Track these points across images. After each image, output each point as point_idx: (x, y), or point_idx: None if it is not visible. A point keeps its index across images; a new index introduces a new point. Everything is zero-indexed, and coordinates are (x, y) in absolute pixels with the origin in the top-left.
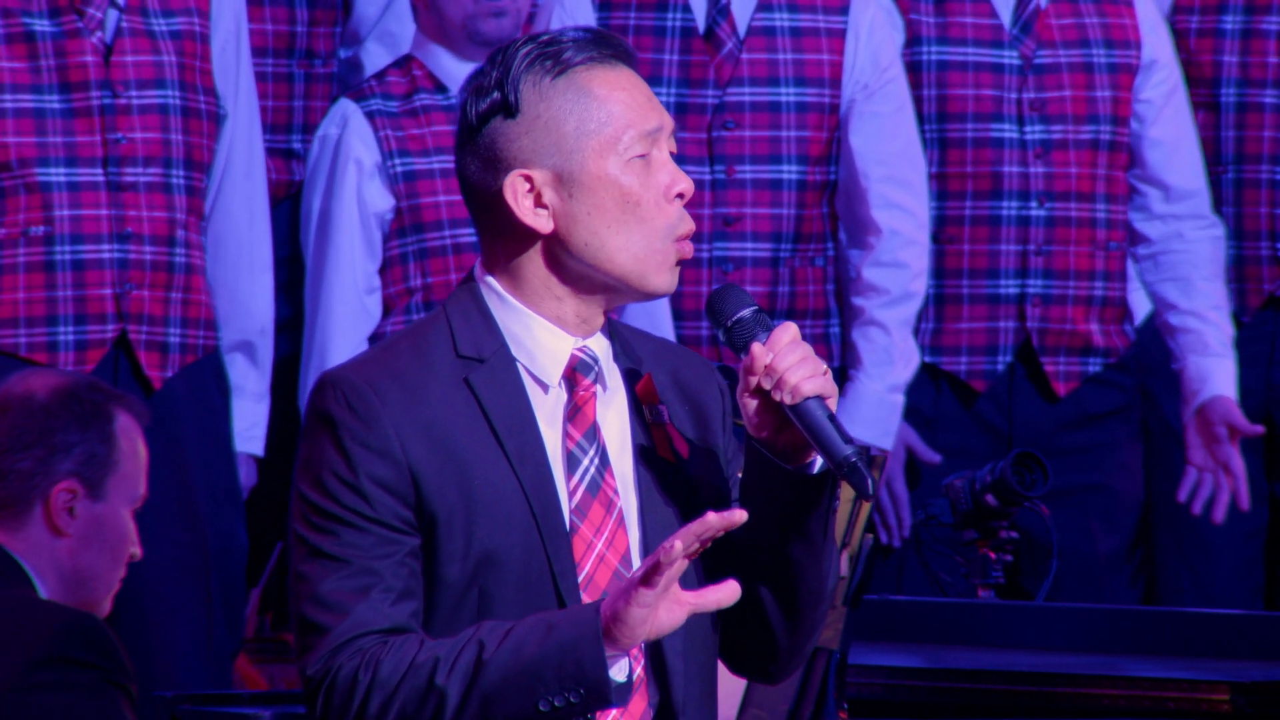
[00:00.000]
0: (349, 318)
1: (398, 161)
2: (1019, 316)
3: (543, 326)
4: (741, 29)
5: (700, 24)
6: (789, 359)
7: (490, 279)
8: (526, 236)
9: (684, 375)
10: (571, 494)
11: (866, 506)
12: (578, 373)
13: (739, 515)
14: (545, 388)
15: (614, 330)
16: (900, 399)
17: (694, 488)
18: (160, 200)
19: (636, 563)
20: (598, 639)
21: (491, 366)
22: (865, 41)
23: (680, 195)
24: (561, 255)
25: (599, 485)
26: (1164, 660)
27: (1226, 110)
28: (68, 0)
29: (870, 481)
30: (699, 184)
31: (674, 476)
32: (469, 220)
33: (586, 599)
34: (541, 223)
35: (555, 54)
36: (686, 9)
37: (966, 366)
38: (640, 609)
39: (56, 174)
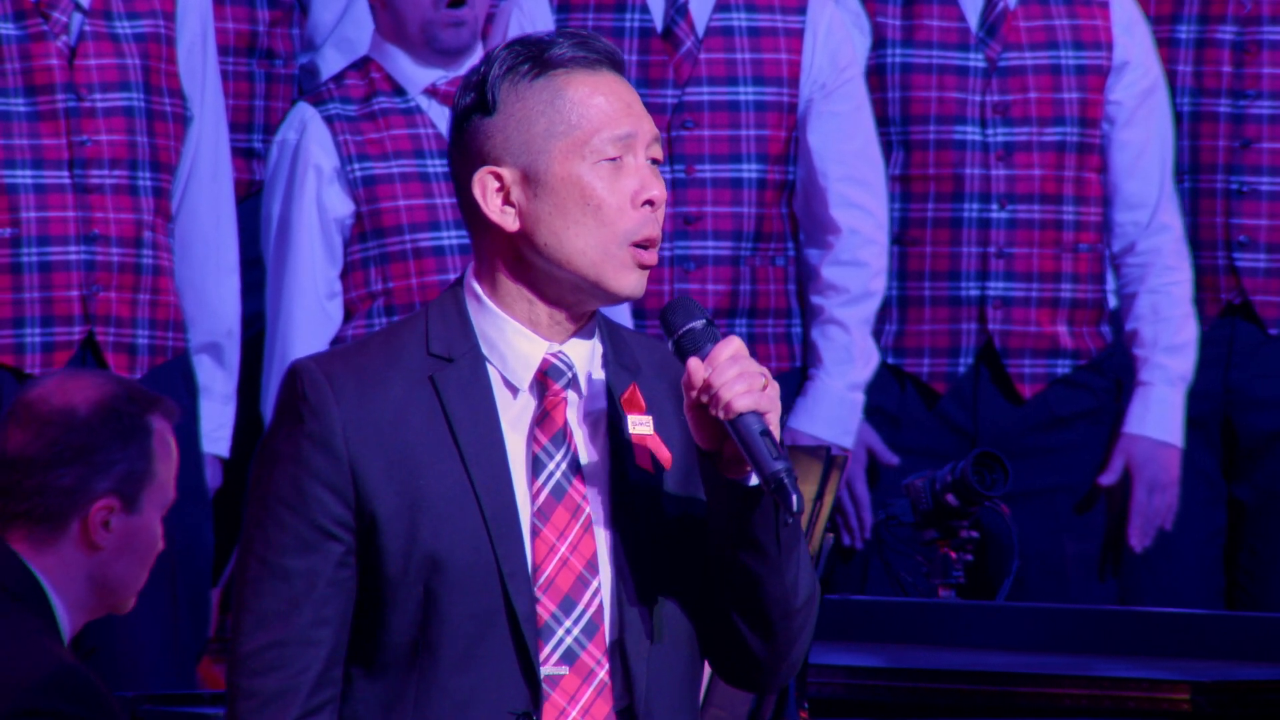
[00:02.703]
0: (310, 323)
1: (357, 166)
2: (980, 318)
3: (516, 330)
4: (700, 28)
5: (658, 24)
6: (726, 375)
7: (472, 281)
8: (498, 235)
9: (682, 386)
10: (534, 497)
11: (826, 506)
12: (548, 377)
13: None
14: (515, 391)
15: (613, 336)
16: (860, 397)
17: (672, 499)
18: (127, 202)
19: (603, 568)
20: None
21: (460, 367)
22: (823, 41)
23: (650, 202)
24: (529, 255)
25: (565, 490)
26: (1125, 660)
27: (1181, 120)
28: (32, 3)
29: (796, 498)
30: None
31: (652, 487)
32: (429, 224)
33: (547, 601)
34: (508, 220)
35: (537, 55)
36: (644, 9)
37: (929, 368)
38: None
39: (23, 176)
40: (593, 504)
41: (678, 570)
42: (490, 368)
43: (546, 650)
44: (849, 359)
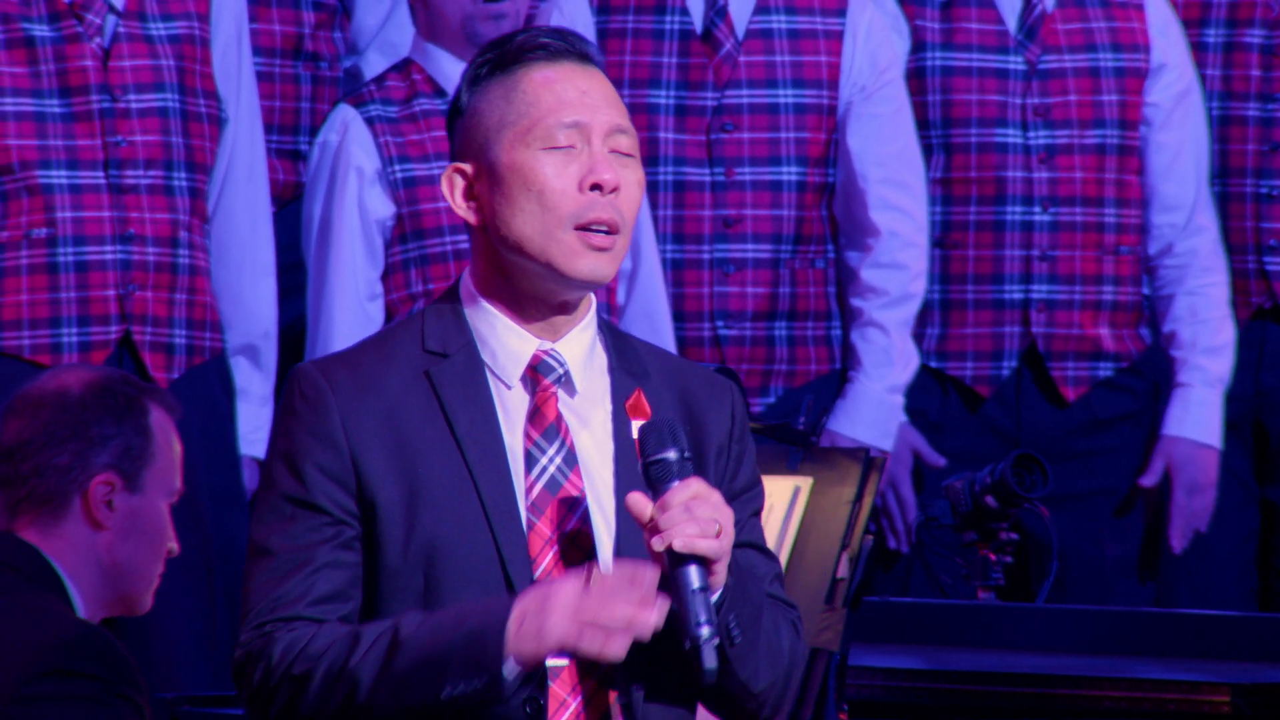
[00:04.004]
0: (351, 324)
1: (398, 168)
2: (1024, 322)
3: (506, 326)
4: (740, 31)
5: (698, 26)
6: (674, 517)
7: (466, 279)
8: (476, 232)
9: (693, 395)
10: (528, 491)
11: (865, 509)
12: (539, 373)
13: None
14: (508, 387)
15: (619, 343)
16: (900, 400)
17: None
18: (162, 202)
19: (602, 562)
20: (502, 630)
21: (455, 362)
22: (863, 43)
23: (597, 186)
24: (496, 247)
25: (560, 484)
26: (1165, 662)
27: (1209, 124)
28: (66, 5)
29: (710, 671)
30: (698, 185)
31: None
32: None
33: None
34: (470, 215)
35: (501, 53)
36: (684, 11)
37: (972, 372)
38: (559, 607)
39: (58, 177)
40: (591, 499)
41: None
42: (485, 363)
43: (545, 662)
44: (888, 361)
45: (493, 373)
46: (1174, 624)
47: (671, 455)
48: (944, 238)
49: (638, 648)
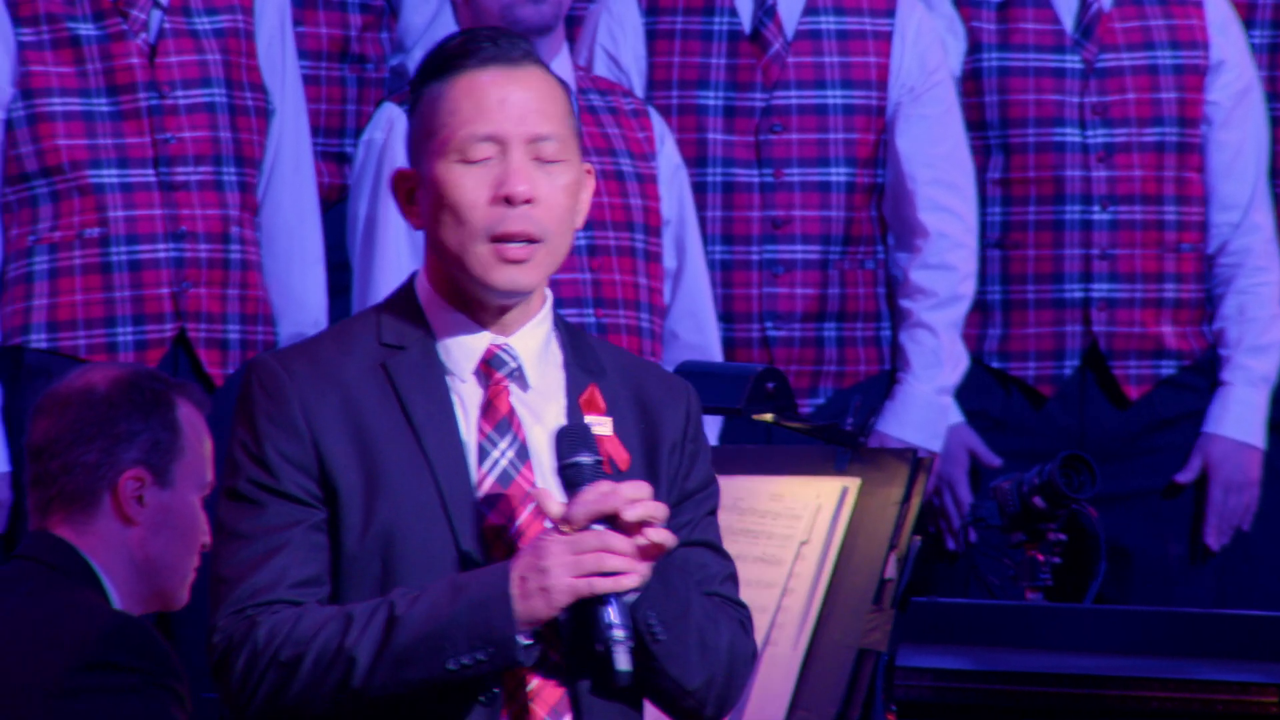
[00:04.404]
0: None
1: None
2: (1084, 321)
3: (459, 322)
4: (789, 31)
5: (746, 26)
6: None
7: (422, 274)
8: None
9: (649, 394)
10: (479, 484)
11: (914, 509)
12: (491, 367)
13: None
14: (463, 381)
15: (575, 340)
16: (949, 401)
17: None
18: (213, 198)
19: None
20: (506, 596)
21: (411, 355)
22: (911, 44)
23: (508, 200)
24: (435, 250)
25: (511, 478)
26: (1213, 662)
27: None
28: (111, 3)
29: (623, 674)
30: (747, 186)
31: None
32: None
33: None
34: (414, 218)
35: (438, 58)
36: (733, 12)
37: (1034, 371)
38: (552, 552)
39: (109, 175)
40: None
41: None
42: (440, 357)
43: None
44: (937, 362)
45: (447, 367)
46: (1223, 624)
47: (585, 460)
48: (1004, 238)
49: (582, 640)
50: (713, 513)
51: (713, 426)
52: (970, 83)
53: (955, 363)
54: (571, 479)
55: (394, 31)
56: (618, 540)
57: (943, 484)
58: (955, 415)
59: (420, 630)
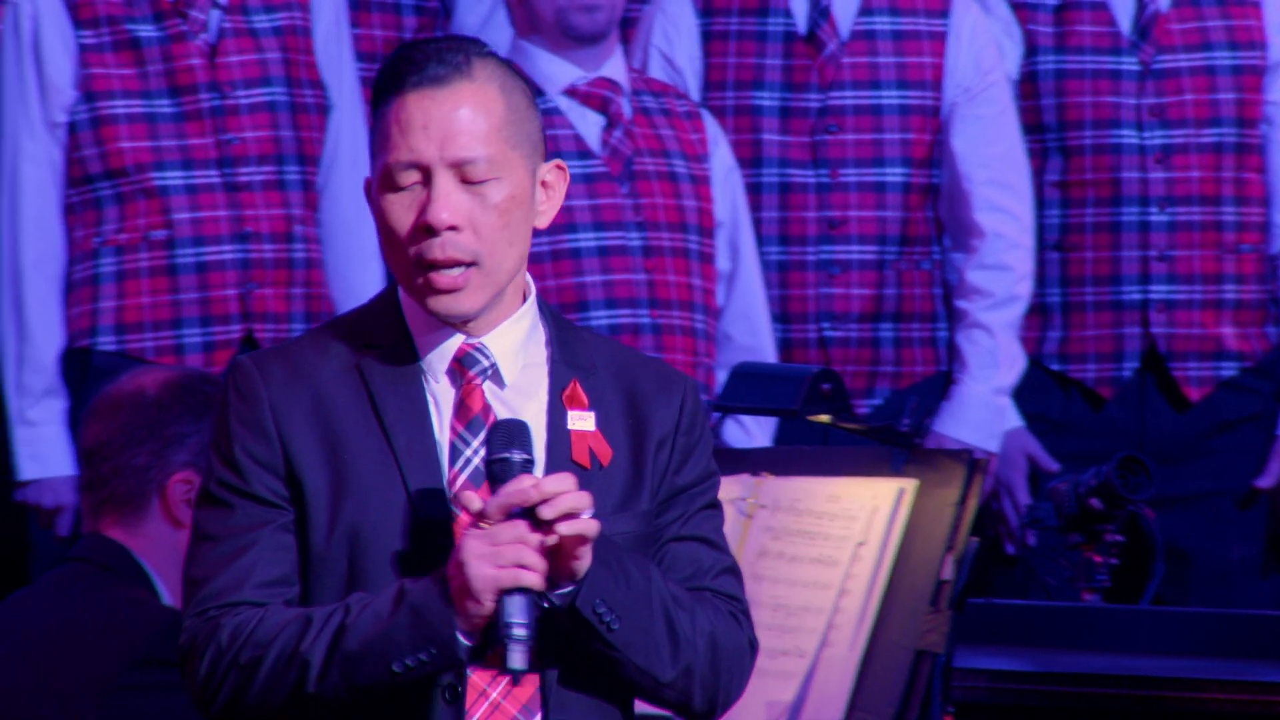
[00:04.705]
0: None
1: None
2: (1143, 322)
3: (432, 322)
4: (844, 32)
5: (801, 27)
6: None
7: None
8: None
9: (641, 389)
10: (451, 483)
11: (970, 510)
12: (463, 366)
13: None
14: (437, 380)
15: (564, 334)
16: (1006, 401)
17: (606, 494)
18: (276, 198)
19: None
20: (445, 599)
21: (386, 354)
22: (967, 44)
23: (429, 227)
24: None
25: (484, 475)
26: (1272, 664)
27: None
28: (170, 4)
29: (515, 673)
30: (803, 187)
31: (585, 482)
32: (566, 226)
33: None
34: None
35: (379, 81)
36: (788, 13)
37: (1094, 374)
38: (468, 547)
39: (173, 178)
40: None
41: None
42: (417, 357)
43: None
44: (994, 363)
45: (423, 367)
46: None
47: (515, 456)
48: (1062, 240)
49: (554, 638)
50: (710, 506)
51: (769, 428)
52: (1027, 85)
53: (1012, 363)
54: (497, 474)
55: (447, 33)
56: (530, 534)
57: (1001, 488)
58: (1014, 419)
59: (366, 635)
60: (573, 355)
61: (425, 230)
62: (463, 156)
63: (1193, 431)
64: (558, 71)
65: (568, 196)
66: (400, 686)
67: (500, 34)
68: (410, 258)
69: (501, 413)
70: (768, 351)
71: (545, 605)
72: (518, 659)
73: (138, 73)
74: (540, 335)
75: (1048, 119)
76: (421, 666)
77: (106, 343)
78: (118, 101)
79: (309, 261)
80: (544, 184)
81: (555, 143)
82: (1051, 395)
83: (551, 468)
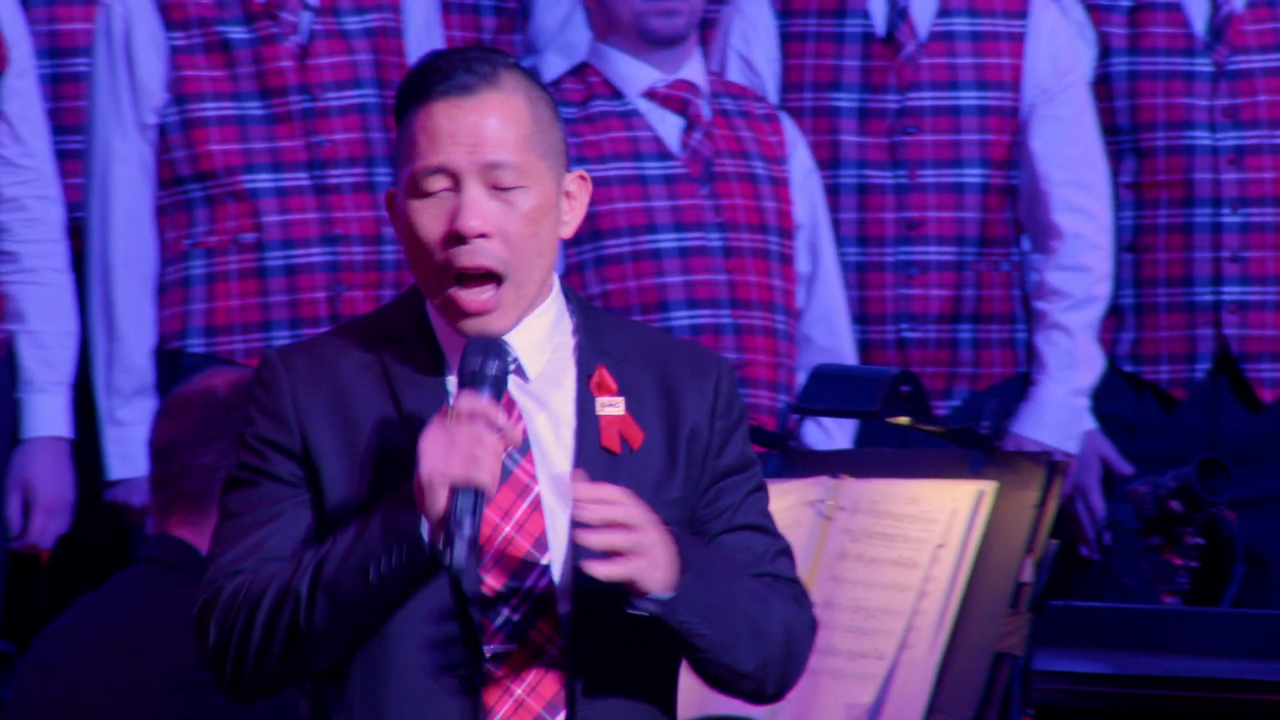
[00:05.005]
0: None
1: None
2: (1215, 324)
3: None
4: (922, 33)
5: (880, 28)
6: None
7: None
8: None
9: (674, 374)
10: None
11: (1050, 512)
12: None
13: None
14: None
15: (592, 322)
16: (1084, 403)
17: (639, 480)
18: (366, 200)
19: (552, 547)
20: (409, 500)
21: (409, 348)
22: (1046, 45)
23: (459, 234)
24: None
25: (510, 470)
26: None
27: None
28: (262, 6)
29: (452, 568)
30: (881, 188)
31: (616, 468)
32: (646, 227)
33: (491, 580)
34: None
35: (404, 90)
36: (866, 14)
37: (1167, 375)
38: (426, 440)
39: (263, 180)
40: (545, 483)
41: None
42: (440, 351)
43: (493, 628)
44: (1072, 364)
45: (447, 362)
46: None
47: (491, 370)
48: (1135, 241)
49: (583, 635)
50: (757, 489)
51: (848, 430)
52: (1101, 87)
53: (1091, 364)
54: (465, 385)
55: (526, 34)
56: (487, 435)
57: (1076, 491)
58: (1088, 422)
59: (344, 552)
60: (601, 343)
61: (455, 238)
62: (493, 159)
63: (1266, 433)
64: (637, 74)
65: (648, 197)
66: (382, 602)
67: (578, 35)
68: (437, 265)
69: (526, 405)
70: (848, 353)
71: (635, 612)
72: (459, 553)
73: (228, 75)
74: (567, 325)
75: (1121, 120)
76: (395, 569)
77: (196, 345)
78: (208, 104)
79: (399, 264)
80: (567, 194)
81: (635, 145)
82: (1125, 397)
83: (581, 455)
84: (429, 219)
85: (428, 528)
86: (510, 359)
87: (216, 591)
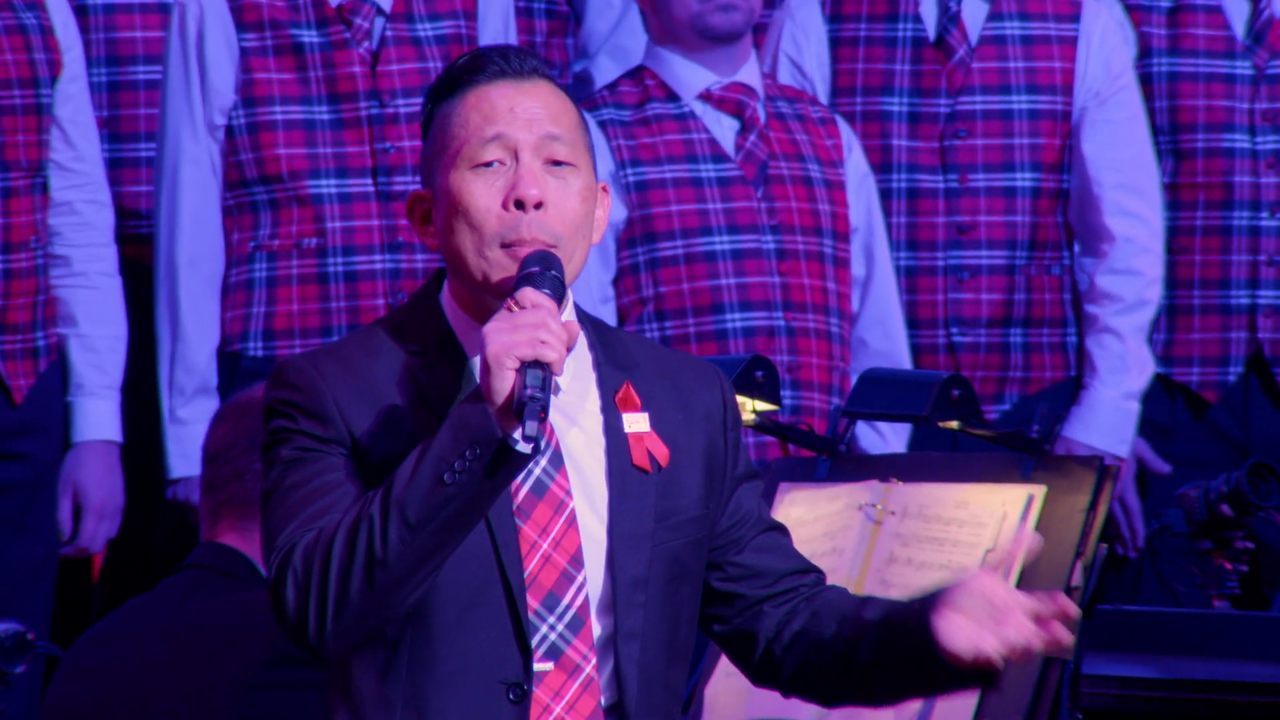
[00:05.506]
0: None
1: (630, 171)
2: (1250, 327)
3: (475, 321)
4: (973, 37)
5: (931, 33)
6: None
7: (445, 288)
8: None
9: (684, 384)
10: (514, 494)
11: (1100, 516)
12: None
13: None
14: None
15: (604, 338)
16: (1136, 406)
17: (669, 495)
18: None
19: (589, 564)
20: (477, 398)
21: (434, 356)
22: (1097, 49)
23: (519, 203)
24: (452, 265)
25: (546, 486)
26: None
27: None
28: (335, 10)
29: (524, 438)
30: (932, 192)
31: (647, 485)
32: (700, 230)
33: (530, 599)
34: (430, 239)
35: (447, 78)
36: (917, 19)
37: (1198, 377)
38: (491, 325)
39: (327, 186)
40: (579, 499)
41: (670, 566)
42: (465, 358)
43: (531, 645)
44: (1124, 368)
45: (471, 366)
46: None
47: (554, 273)
48: (1171, 243)
49: (621, 656)
50: (761, 494)
51: (903, 434)
52: (1141, 87)
53: (1142, 368)
54: (524, 284)
55: (578, 37)
56: (551, 318)
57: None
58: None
59: (413, 466)
60: (615, 356)
61: (515, 205)
62: (552, 131)
63: None
64: (693, 76)
65: (702, 200)
66: (454, 511)
67: (631, 39)
68: (491, 235)
69: (558, 421)
70: (903, 357)
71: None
72: (531, 427)
73: (298, 78)
74: (582, 339)
75: (1160, 121)
76: (470, 467)
77: (255, 348)
78: (276, 108)
79: None
80: (601, 194)
81: (690, 147)
82: (1157, 398)
83: (613, 473)
84: (484, 188)
85: (496, 419)
86: (560, 273)
87: (290, 548)
